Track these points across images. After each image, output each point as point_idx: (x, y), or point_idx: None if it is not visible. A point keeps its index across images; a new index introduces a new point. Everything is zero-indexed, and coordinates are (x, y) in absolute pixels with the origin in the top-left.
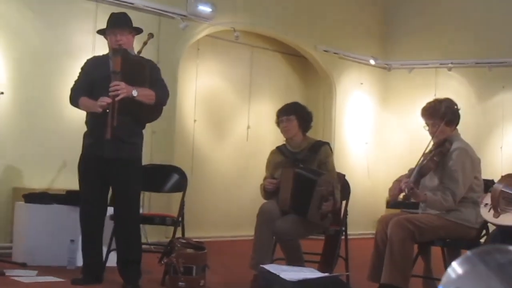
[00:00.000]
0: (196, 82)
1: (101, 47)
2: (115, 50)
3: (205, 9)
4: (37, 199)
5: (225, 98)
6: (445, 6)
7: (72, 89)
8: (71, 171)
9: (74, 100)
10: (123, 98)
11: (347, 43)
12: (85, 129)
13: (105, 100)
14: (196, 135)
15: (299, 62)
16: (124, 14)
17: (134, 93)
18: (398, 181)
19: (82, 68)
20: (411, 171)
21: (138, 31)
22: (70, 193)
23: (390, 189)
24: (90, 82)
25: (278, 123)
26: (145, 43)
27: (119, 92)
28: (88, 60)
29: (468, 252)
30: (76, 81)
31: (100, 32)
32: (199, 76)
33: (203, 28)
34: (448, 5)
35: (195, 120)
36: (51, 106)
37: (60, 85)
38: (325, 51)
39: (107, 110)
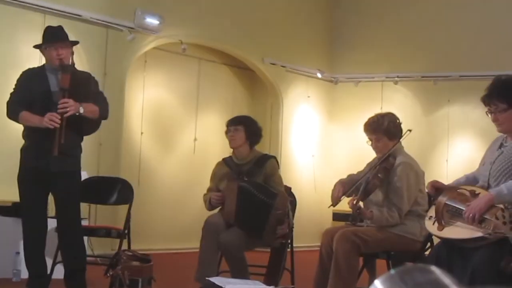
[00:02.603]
0: (143, 94)
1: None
2: (64, 66)
3: (152, 21)
4: None
5: (172, 111)
6: (391, 20)
7: (10, 102)
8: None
9: (13, 114)
10: (70, 115)
11: (294, 56)
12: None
13: (54, 119)
14: (143, 147)
15: (246, 74)
16: (62, 28)
17: (81, 109)
18: (340, 182)
19: (18, 81)
20: (351, 177)
21: (74, 44)
22: (16, 204)
23: (333, 191)
24: (28, 97)
25: (227, 132)
26: (72, 53)
27: (67, 109)
28: (24, 73)
29: (391, 270)
30: (13, 94)
31: (37, 46)
32: (146, 89)
33: (150, 40)
34: (394, 19)
35: (142, 133)
36: None
37: (7, 96)
38: (272, 64)
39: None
